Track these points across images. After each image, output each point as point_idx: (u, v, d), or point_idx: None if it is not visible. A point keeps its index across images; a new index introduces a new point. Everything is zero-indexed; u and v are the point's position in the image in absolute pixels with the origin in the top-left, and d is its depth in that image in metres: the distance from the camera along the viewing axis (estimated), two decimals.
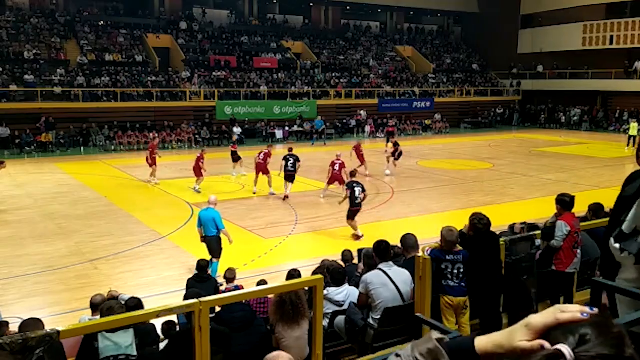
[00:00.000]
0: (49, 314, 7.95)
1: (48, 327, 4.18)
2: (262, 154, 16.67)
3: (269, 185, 16.59)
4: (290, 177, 16.00)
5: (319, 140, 30.26)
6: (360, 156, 19.70)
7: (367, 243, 7.45)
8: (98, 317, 5.22)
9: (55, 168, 21.66)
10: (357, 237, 12.04)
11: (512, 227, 8.46)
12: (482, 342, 1.09)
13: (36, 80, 28.10)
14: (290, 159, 16.09)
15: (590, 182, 18.04)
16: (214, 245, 9.65)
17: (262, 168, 16.56)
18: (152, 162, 18.09)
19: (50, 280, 9.72)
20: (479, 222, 5.52)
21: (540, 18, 42.20)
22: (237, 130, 30.19)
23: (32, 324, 4.42)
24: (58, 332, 2.90)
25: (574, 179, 18.88)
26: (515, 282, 5.73)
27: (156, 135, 22.87)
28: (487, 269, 5.37)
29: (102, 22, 34.52)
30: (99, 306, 5.47)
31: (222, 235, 9.74)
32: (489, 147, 28.54)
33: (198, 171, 16.94)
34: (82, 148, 26.70)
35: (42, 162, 23.14)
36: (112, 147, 27.15)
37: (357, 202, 11.95)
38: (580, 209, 7.07)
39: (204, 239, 9.69)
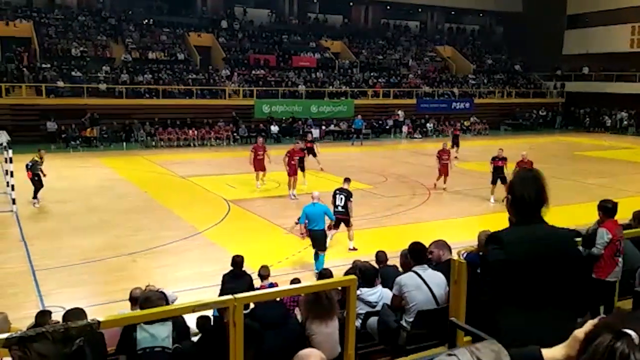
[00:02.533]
0: (87, 304, 8.15)
1: (88, 317, 4.31)
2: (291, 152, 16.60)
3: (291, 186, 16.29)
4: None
5: (357, 140, 30.23)
6: (444, 165, 17.31)
7: (398, 246, 7.30)
8: (138, 310, 5.34)
9: (99, 162, 22.29)
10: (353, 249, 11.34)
11: None
12: (550, 352, 1.27)
13: (82, 76, 28.97)
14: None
15: (636, 188, 17.41)
16: (323, 238, 10.00)
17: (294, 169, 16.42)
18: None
19: (89, 272, 10.01)
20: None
21: (587, 18, 41.03)
22: (274, 128, 30.44)
23: (76, 313, 4.56)
24: (98, 322, 2.98)
25: (618, 185, 18.27)
26: None
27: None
28: None
29: (146, 21, 35.31)
30: (138, 299, 5.60)
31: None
32: (530, 150, 27.78)
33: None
34: (125, 143, 27.38)
35: (86, 157, 23.83)
36: (153, 143, 27.75)
37: (336, 209, 11.28)
38: (624, 215, 6.85)
39: (312, 232, 9.95)
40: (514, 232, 2.49)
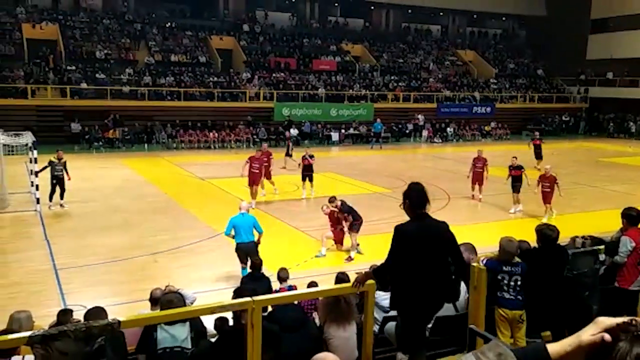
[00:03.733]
0: (109, 303, 8.25)
1: (109, 317, 4.37)
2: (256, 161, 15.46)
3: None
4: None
5: (376, 143, 30.17)
6: (477, 174, 16.57)
7: None
8: (158, 310, 5.40)
9: (121, 163, 22.58)
10: (350, 259, 11.03)
11: (573, 240, 8.14)
12: (556, 347, 1.26)
13: (106, 79, 29.41)
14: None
15: None
16: (255, 250, 9.21)
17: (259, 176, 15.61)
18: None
19: (111, 271, 10.13)
20: (547, 228, 5.32)
21: (612, 23, 40.39)
22: (293, 132, 30.52)
23: (96, 312, 4.62)
24: (119, 322, 3.02)
25: None
26: (575, 298, 5.51)
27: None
28: (550, 283, 5.16)
29: (168, 24, 35.72)
30: (158, 300, 5.66)
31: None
32: (552, 156, 27.48)
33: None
34: (146, 145, 27.70)
35: (108, 158, 24.16)
36: (174, 145, 28.02)
37: (355, 215, 11.19)
38: None
39: (242, 245, 9.24)
40: (409, 225, 4.06)
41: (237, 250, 9.38)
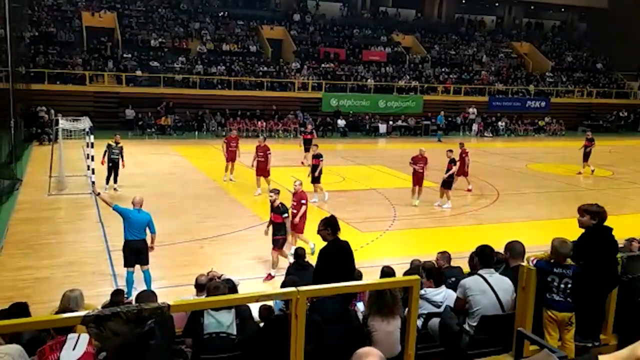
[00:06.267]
0: (155, 286, 8.52)
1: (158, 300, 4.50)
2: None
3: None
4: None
5: (442, 136, 30.10)
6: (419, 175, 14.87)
7: (462, 247, 7.07)
8: (203, 296, 5.54)
9: (171, 150, 23.13)
10: (270, 277, 9.43)
11: (630, 242, 7.81)
12: (609, 358, 1.28)
13: (160, 67, 30.13)
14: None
15: None
16: (147, 251, 8.64)
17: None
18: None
19: (159, 255, 10.35)
20: (598, 207, 5.16)
21: None
22: (341, 122, 30.50)
23: (147, 295, 4.78)
24: (168, 305, 3.11)
25: None
26: (628, 303, 5.31)
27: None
28: (602, 276, 4.98)
29: (221, 13, 36.20)
30: (203, 286, 5.81)
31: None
32: (609, 154, 26.48)
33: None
34: (196, 132, 28.27)
35: (160, 144, 24.78)
36: (223, 133, 28.45)
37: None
38: None
39: (133, 243, 8.49)
40: (329, 246, 5.49)
41: (125, 248, 8.52)
